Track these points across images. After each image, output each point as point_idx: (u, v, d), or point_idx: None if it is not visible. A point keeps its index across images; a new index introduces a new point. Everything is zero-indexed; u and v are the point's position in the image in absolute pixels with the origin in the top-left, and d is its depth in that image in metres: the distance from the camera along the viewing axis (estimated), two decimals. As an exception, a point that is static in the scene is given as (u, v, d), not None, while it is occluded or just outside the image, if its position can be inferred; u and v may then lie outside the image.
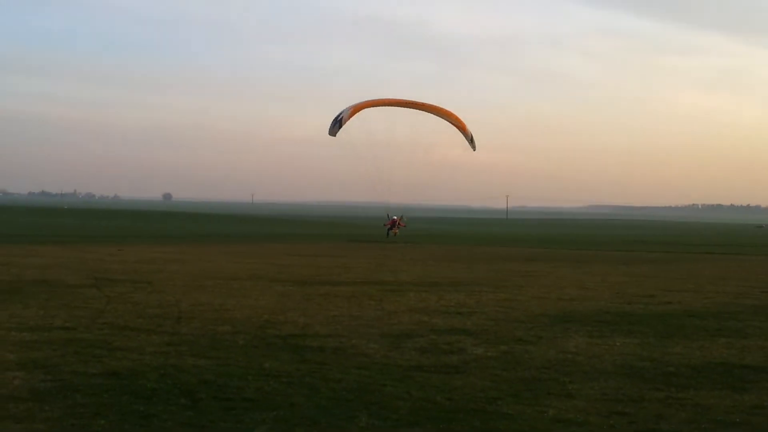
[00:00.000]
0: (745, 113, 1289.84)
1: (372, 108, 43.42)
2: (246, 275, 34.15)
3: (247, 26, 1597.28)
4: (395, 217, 64.56)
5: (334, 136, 43.38)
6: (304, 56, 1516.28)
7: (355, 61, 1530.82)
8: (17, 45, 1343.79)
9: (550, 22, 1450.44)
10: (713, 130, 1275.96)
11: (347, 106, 42.87)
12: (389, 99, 44.06)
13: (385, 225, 66.09)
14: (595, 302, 25.96)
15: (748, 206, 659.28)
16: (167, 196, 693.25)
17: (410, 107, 43.94)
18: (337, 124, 43.61)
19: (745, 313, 23.63)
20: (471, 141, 45.35)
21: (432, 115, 44.10)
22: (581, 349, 16.94)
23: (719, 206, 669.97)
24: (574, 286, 31.82)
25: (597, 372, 14.52)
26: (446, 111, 44.44)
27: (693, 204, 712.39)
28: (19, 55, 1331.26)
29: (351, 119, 42.43)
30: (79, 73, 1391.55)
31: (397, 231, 65.43)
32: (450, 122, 44.41)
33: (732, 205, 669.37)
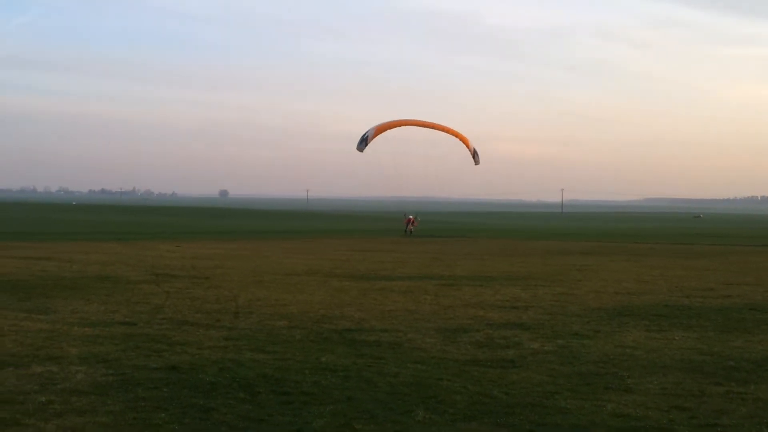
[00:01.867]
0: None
1: (394, 128, 53.33)
2: (302, 270, 34.38)
3: (300, 22, 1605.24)
4: (410, 217, 76.03)
5: (362, 152, 52.43)
6: (357, 51, 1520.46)
7: (408, 55, 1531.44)
8: (76, 45, 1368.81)
9: (603, 14, 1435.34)
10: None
11: (371, 126, 52.48)
12: (406, 120, 53.79)
13: (404, 222, 76.85)
14: (653, 296, 25.65)
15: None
16: (224, 193, 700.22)
17: (424, 127, 53.54)
18: (363, 142, 52.82)
19: (808, 307, 23.16)
20: (474, 155, 54.81)
21: (443, 133, 53.69)
22: (639, 343, 16.76)
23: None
24: (632, 279, 31.47)
25: (656, 366, 14.35)
26: (454, 131, 54.08)
27: (752, 196, 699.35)
28: (80, 55, 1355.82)
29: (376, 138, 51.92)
30: (138, 73, 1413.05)
31: (412, 228, 75.27)
32: (458, 140, 53.94)
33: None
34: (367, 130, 53.18)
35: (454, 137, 54.12)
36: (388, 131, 52.75)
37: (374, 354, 15.16)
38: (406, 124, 53.72)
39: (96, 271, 32.13)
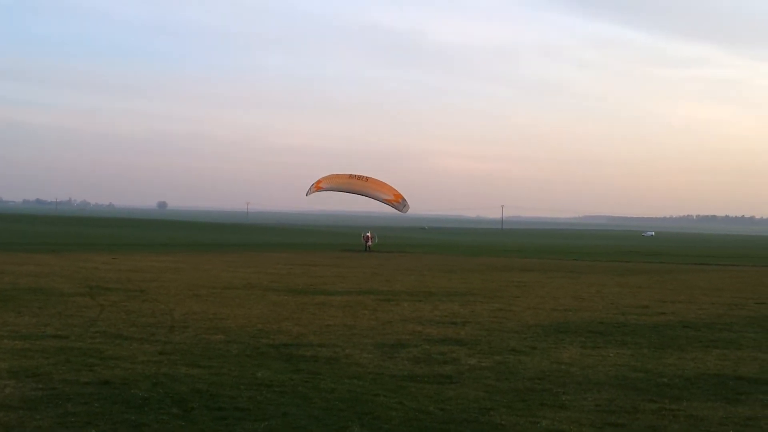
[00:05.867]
0: (740, 124, 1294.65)
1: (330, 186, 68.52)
2: (240, 284, 34.10)
3: (244, 34, 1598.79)
4: (368, 234, 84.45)
5: (306, 196, 67.11)
6: (302, 64, 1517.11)
7: (352, 69, 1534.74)
8: (11, 52, 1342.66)
9: (545, 34, 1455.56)
10: (708, 141, 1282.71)
11: (313, 180, 67.94)
12: (340, 182, 68.09)
13: (363, 239, 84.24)
14: (589, 313, 25.93)
15: (742, 217, 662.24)
16: (162, 205, 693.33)
17: (356, 193, 67.07)
18: (309, 190, 66.61)
19: (739, 324, 23.61)
20: (403, 206, 68.00)
21: (376, 191, 67.55)
22: (575, 359, 16.91)
23: (713, 217, 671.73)
24: (569, 296, 31.79)
25: (590, 383, 14.47)
26: (385, 189, 67.26)
27: (688, 215, 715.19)
28: (14, 62, 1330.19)
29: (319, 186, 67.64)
30: (75, 81, 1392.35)
31: (371, 244, 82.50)
32: (387, 196, 66.99)
33: (726, 216, 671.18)
34: (312, 182, 67.12)
35: (385, 195, 66.62)
36: (326, 185, 67.21)
37: (311, 369, 15.07)
38: (339, 187, 67.73)
39: (28, 283, 31.48)
